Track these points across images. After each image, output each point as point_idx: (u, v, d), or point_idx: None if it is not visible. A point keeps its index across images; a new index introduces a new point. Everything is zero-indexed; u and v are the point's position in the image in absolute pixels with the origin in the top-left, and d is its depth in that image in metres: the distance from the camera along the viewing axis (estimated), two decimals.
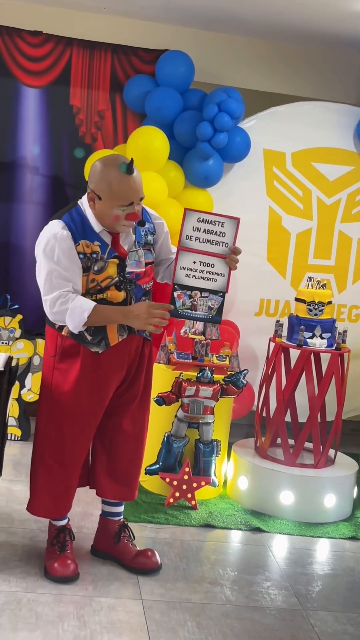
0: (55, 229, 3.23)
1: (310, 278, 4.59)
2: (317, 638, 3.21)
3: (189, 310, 3.34)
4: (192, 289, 3.34)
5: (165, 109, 5.04)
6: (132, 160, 3.21)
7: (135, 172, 3.21)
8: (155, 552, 3.64)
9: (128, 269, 3.32)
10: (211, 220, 3.33)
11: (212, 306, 3.36)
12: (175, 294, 3.33)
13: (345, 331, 4.57)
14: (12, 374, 3.58)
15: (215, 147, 4.93)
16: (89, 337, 3.32)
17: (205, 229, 3.32)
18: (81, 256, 3.23)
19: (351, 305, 5.59)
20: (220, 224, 3.33)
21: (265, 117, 5.31)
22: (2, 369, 3.30)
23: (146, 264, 3.39)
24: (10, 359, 3.53)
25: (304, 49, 5.62)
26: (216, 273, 3.35)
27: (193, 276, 3.33)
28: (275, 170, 5.35)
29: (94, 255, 3.25)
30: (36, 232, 5.47)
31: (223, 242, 3.34)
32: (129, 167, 3.18)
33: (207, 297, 3.34)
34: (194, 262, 3.33)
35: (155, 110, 5.06)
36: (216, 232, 3.33)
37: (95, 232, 3.26)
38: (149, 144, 4.83)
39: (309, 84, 5.64)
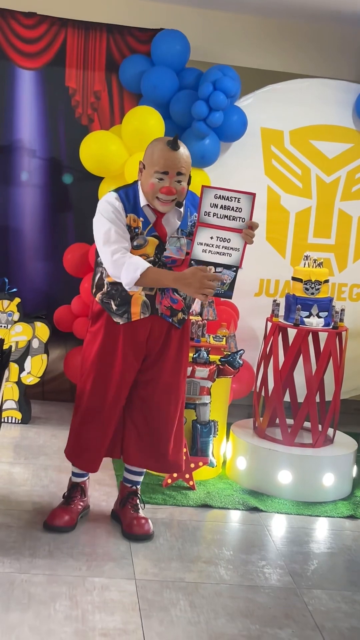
0: (110, 198, 3.45)
1: (306, 257, 4.56)
2: (310, 616, 3.21)
3: None
4: (208, 264, 3.37)
5: (160, 88, 5.01)
6: (176, 135, 3.41)
7: (180, 149, 3.38)
8: (149, 521, 3.75)
9: (166, 253, 3.47)
10: (228, 197, 3.36)
11: (225, 281, 3.39)
12: None
13: (342, 310, 4.55)
14: (4, 357, 3.58)
15: (210, 126, 4.89)
16: (114, 307, 3.53)
17: (222, 205, 3.36)
18: (127, 228, 3.42)
19: (352, 284, 5.56)
20: (237, 199, 3.37)
21: (262, 95, 5.27)
22: None
23: (187, 254, 3.47)
24: (1, 341, 3.53)
25: (301, 25, 5.56)
26: (232, 248, 3.38)
27: (209, 251, 3.37)
28: (274, 149, 5.31)
29: (136, 230, 3.42)
30: (34, 215, 5.52)
31: (240, 217, 3.38)
32: (173, 142, 3.37)
33: (220, 272, 3.37)
34: (212, 238, 3.37)
35: (150, 89, 5.03)
36: (233, 207, 3.37)
37: (140, 207, 3.43)
38: (143, 124, 4.81)
39: (307, 60, 5.58)
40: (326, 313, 4.47)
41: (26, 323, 5.08)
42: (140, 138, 4.79)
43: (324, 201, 5.41)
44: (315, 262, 4.52)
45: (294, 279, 4.54)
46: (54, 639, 2.86)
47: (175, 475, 4.32)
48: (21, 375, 5.10)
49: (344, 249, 5.51)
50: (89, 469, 3.77)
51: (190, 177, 3.47)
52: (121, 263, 3.36)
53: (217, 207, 3.36)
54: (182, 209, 3.50)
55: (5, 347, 3.66)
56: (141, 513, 3.81)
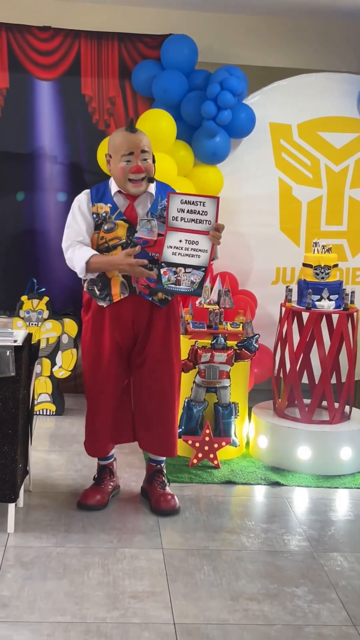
0: (80, 195, 3.86)
1: (315, 243, 4.79)
2: (325, 575, 3.45)
3: (174, 285, 3.64)
4: (178, 265, 3.62)
5: (171, 91, 5.27)
6: (131, 119, 3.72)
7: (138, 131, 3.72)
8: (175, 497, 4.02)
9: (137, 234, 3.74)
10: (193, 201, 3.62)
11: (194, 280, 3.64)
12: (162, 270, 3.64)
13: (352, 292, 4.77)
14: (32, 350, 3.87)
15: (220, 124, 5.14)
16: (97, 292, 3.82)
17: (188, 210, 3.62)
18: (94, 216, 3.77)
19: None
20: (202, 203, 3.63)
21: (269, 91, 5.51)
22: (20, 344, 3.58)
23: (159, 235, 3.72)
24: (29, 335, 3.82)
25: (303, 22, 5.78)
26: (200, 250, 3.64)
27: (179, 254, 3.63)
28: (283, 142, 5.54)
29: (103, 215, 3.75)
30: (58, 218, 5.82)
31: (206, 220, 3.63)
32: (130, 126, 3.70)
33: (190, 272, 3.63)
34: (180, 241, 3.63)
35: (161, 92, 5.29)
36: (199, 211, 3.61)
37: (110, 195, 3.77)
38: (156, 126, 5.07)
39: (310, 56, 5.80)
40: (337, 296, 4.69)
41: (55, 320, 5.38)
42: (154, 140, 4.99)
43: (334, 190, 5.63)
44: (324, 248, 4.75)
45: (304, 265, 4.78)
46: (88, 603, 3.14)
47: (200, 455, 4.58)
48: (53, 370, 5.39)
49: (356, 234, 5.72)
50: (99, 453, 4.07)
51: (154, 157, 3.75)
52: (70, 257, 3.77)
53: (183, 211, 3.62)
54: (153, 192, 3.75)
55: (34, 341, 3.94)
56: (167, 490, 4.08)
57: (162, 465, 4.16)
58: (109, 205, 3.76)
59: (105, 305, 3.82)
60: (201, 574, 3.42)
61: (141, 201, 3.77)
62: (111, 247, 3.75)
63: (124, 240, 3.76)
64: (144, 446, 4.07)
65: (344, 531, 3.93)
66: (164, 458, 4.16)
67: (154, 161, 3.77)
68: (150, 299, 3.82)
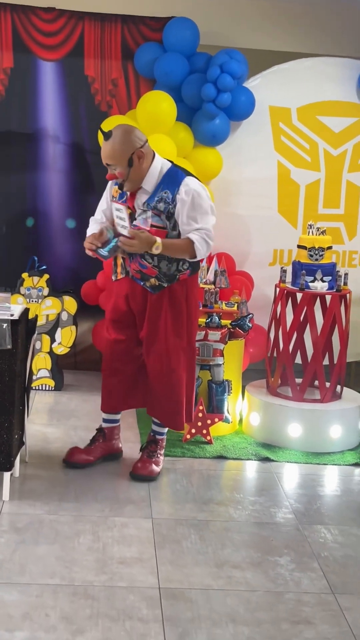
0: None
1: (310, 225, 4.88)
2: (309, 546, 3.57)
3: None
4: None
5: (172, 73, 5.35)
6: (102, 131, 3.91)
7: (109, 141, 3.86)
8: (155, 466, 4.19)
9: (135, 222, 3.93)
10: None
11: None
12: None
13: (346, 274, 4.86)
14: (29, 325, 3.98)
15: (219, 106, 5.22)
16: (113, 266, 4.17)
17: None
18: (112, 197, 4.08)
19: None
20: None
21: (269, 75, 5.58)
22: (17, 318, 3.69)
23: (153, 226, 3.91)
24: (27, 310, 3.93)
25: (304, 6, 5.84)
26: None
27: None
28: (282, 126, 5.62)
29: (114, 198, 4.05)
30: (60, 197, 5.89)
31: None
32: (103, 135, 3.89)
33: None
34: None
35: (163, 75, 5.37)
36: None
37: None
38: (156, 108, 5.15)
39: (311, 40, 5.86)
40: (330, 277, 4.79)
41: (55, 297, 5.48)
42: (154, 121, 5.15)
43: (332, 173, 5.71)
44: (318, 230, 4.84)
45: (299, 246, 4.87)
46: (77, 567, 3.26)
47: (193, 431, 4.69)
48: (53, 346, 5.51)
49: (353, 218, 5.80)
50: (105, 409, 4.31)
51: (138, 156, 3.86)
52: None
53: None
54: (148, 188, 3.92)
55: (31, 316, 4.05)
56: (153, 458, 4.22)
57: (160, 437, 4.29)
58: (119, 191, 4.02)
59: (113, 279, 4.17)
60: (188, 542, 3.54)
61: (139, 193, 3.95)
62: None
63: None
64: (151, 412, 4.25)
65: (329, 505, 4.04)
66: (164, 430, 4.29)
67: (130, 164, 3.84)
68: (142, 283, 4.03)
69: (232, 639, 2.84)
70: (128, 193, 3.96)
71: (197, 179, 4.03)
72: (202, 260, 4.18)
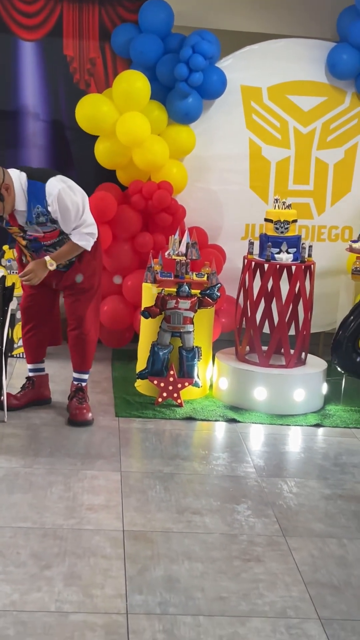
0: None
1: (276, 200, 5.12)
2: (265, 496, 3.84)
3: None
4: None
5: (146, 53, 5.56)
6: None
7: None
8: (90, 412, 4.63)
9: (29, 233, 4.43)
10: None
11: None
12: None
13: (310, 246, 5.11)
14: (6, 292, 4.22)
15: (192, 85, 5.44)
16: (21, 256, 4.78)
17: None
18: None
19: (330, 225, 6.10)
20: None
21: (241, 55, 5.80)
22: None
23: (44, 232, 4.39)
24: (3, 277, 4.17)
25: None
26: None
27: None
28: (253, 105, 5.84)
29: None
30: None
31: None
32: None
33: None
34: None
35: (138, 54, 5.59)
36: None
37: None
38: (131, 86, 5.37)
39: (282, 22, 6.06)
40: (295, 249, 5.03)
41: None
42: (129, 99, 5.37)
43: (302, 151, 5.94)
44: (284, 204, 5.08)
45: (265, 220, 5.11)
46: (48, 512, 3.52)
47: (165, 395, 4.95)
48: None
49: (322, 194, 6.04)
50: (29, 360, 4.88)
51: (5, 188, 4.21)
52: None
53: None
54: (22, 209, 4.28)
55: (8, 284, 4.29)
56: (84, 404, 4.63)
57: (83, 384, 4.73)
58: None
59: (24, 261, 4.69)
60: (153, 492, 3.80)
61: (17, 216, 4.33)
62: (17, 236, 4.48)
63: (22, 234, 4.43)
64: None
65: (289, 461, 4.31)
66: (85, 377, 4.76)
67: (2, 199, 4.21)
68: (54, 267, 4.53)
69: (187, 574, 3.11)
70: (7, 217, 4.32)
71: (53, 173, 4.35)
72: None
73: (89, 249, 4.45)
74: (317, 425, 4.81)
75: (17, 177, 4.25)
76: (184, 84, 5.43)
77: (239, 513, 3.65)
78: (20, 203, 4.25)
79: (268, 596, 3.00)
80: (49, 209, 4.26)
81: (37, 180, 4.26)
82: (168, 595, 2.95)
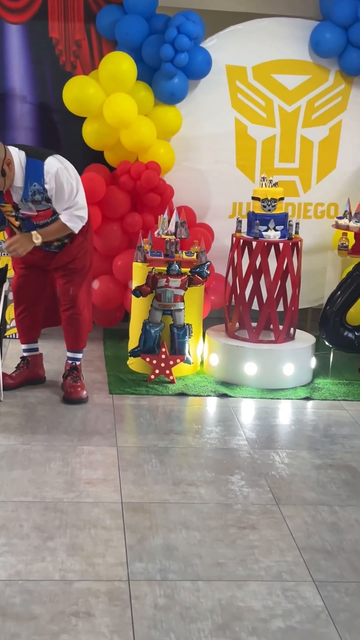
0: None
1: (263, 178, 5.20)
2: (258, 467, 3.95)
3: None
4: None
5: (131, 34, 5.61)
6: None
7: None
8: (85, 390, 4.75)
9: (22, 211, 4.48)
10: None
11: None
12: None
13: (297, 223, 5.20)
14: (1, 273, 4.30)
15: (177, 66, 5.49)
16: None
17: None
18: None
19: (316, 202, 6.19)
20: None
21: (225, 35, 5.85)
22: None
23: (38, 211, 4.44)
24: None
25: None
26: None
27: None
28: (238, 84, 5.91)
29: None
30: None
31: None
32: None
33: None
34: None
35: (123, 36, 5.63)
36: None
37: None
38: (117, 68, 5.42)
39: (265, 1, 6.10)
40: (282, 226, 5.12)
41: None
42: (116, 80, 5.43)
43: (287, 129, 6.02)
44: (271, 182, 5.17)
45: (253, 198, 5.20)
46: (47, 487, 3.63)
47: (157, 372, 5.05)
48: None
49: (308, 171, 6.13)
50: (23, 340, 4.97)
51: (7, 164, 4.27)
52: None
53: None
54: (20, 184, 4.35)
55: (1, 266, 4.37)
56: (79, 382, 4.73)
57: (77, 363, 4.82)
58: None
59: None
60: (149, 465, 3.91)
61: (13, 192, 4.38)
62: (10, 215, 4.53)
63: (14, 213, 4.49)
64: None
65: (279, 433, 4.43)
66: (79, 356, 4.85)
67: (3, 174, 4.26)
68: (47, 249, 4.61)
69: (184, 542, 3.22)
70: (2, 192, 4.37)
71: (51, 153, 4.44)
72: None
73: (77, 232, 4.54)
74: (307, 399, 4.93)
75: (17, 154, 4.32)
76: (170, 65, 5.49)
77: (233, 484, 3.76)
78: (18, 180, 4.32)
79: (263, 561, 3.11)
80: (46, 186, 4.33)
81: (35, 158, 4.34)
82: (167, 563, 3.06)
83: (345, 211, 5.57)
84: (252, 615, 2.77)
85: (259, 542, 3.25)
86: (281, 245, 5.16)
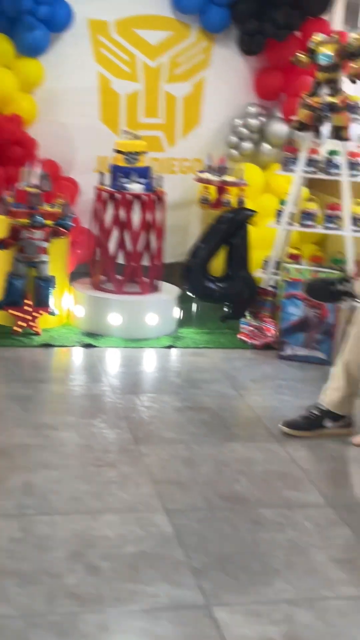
0: None
1: (125, 131, 5.26)
2: (120, 410, 4.05)
3: None
4: None
5: None
6: None
7: None
8: None
9: None
10: None
11: None
12: None
13: (160, 177, 5.30)
14: None
15: (38, 18, 5.45)
16: None
17: None
18: None
19: (181, 158, 6.29)
20: None
21: None
22: None
23: None
24: None
25: None
26: None
27: None
28: (101, 38, 5.92)
29: None
30: None
31: None
32: None
33: None
34: None
35: None
36: None
37: None
38: None
39: None
40: (145, 179, 5.21)
41: None
42: None
43: (151, 84, 6.08)
44: (133, 135, 5.23)
45: (115, 151, 5.25)
46: None
47: (22, 324, 5.06)
48: None
49: (172, 127, 6.21)
50: None
51: None
52: None
53: None
54: None
55: None
56: None
57: None
58: None
59: None
60: (11, 412, 3.96)
61: None
62: None
63: None
64: None
65: (142, 380, 4.56)
66: None
67: None
68: None
69: (43, 480, 3.30)
70: None
71: None
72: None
73: None
74: (170, 347, 5.06)
75: None
76: (30, 17, 5.44)
77: (93, 427, 3.85)
78: None
79: (119, 495, 3.23)
80: None
81: None
82: (25, 499, 3.13)
83: (208, 165, 5.70)
84: (105, 542, 2.88)
85: (116, 478, 3.36)
86: (144, 197, 5.24)
